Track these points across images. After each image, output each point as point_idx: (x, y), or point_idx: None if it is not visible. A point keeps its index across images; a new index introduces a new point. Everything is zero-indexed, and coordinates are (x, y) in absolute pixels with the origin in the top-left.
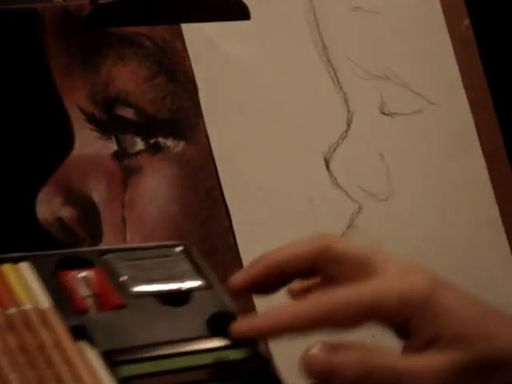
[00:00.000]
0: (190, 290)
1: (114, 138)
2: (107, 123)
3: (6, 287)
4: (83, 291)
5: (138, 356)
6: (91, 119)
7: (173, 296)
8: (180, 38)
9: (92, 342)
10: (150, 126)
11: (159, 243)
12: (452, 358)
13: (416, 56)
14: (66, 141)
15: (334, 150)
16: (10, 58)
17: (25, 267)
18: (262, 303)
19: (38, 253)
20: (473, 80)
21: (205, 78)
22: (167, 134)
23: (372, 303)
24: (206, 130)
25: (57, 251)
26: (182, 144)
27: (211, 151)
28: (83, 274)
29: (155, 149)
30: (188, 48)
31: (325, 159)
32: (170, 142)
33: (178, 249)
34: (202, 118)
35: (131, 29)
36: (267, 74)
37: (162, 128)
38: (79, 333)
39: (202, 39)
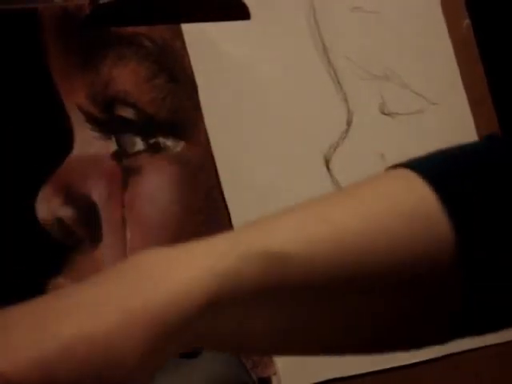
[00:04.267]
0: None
1: (113, 138)
2: (107, 123)
3: None
4: None
5: None
6: (91, 119)
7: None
8: (180, 38)
9: None
10: (150, 126)
11: None
12: None
13: (416, 56)
14: (66, 141)
15: (335, 150)
16: (9, 57)
17: None
18: None
19: None
20: (473, 80)
21: (204, 78)
22: (167, 133)
23: None
24: (205, 130)
25: None
26: (181, 144)
27: (211, 151)
28: None
29: (155, 149)
30: (188, 48)
31: (325, 159)
32: (169, 142)
33: None
34: (202, 118)
35: (131, 29)
36: (267, 74)
37: (162, 128)
38: None
39: (201, 39)
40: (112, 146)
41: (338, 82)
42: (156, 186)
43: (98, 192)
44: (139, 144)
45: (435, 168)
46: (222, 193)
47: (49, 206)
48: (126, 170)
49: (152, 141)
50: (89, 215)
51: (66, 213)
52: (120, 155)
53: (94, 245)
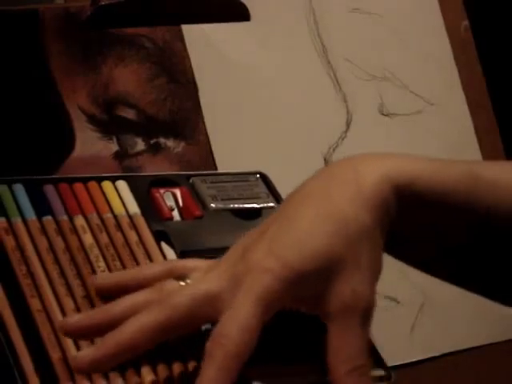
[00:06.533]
0: (261, 208)
1: (114, 139)
2: (108, 124)
3: (104, 198)
4: (169, 204)
5: (209, 255)
6: (92, 120)
7: (246, 211)
8: (180, 39)
9: (171, 243)
10: (151, 127)
11: (239, 171)
12: None
13: (415, 57)
14: (67, 141)
15: (334, 151)
16: (11, 58)
17: (121, 184)
18: None
19: (133, 174)
20: (472, 81)
21: (205, 79)
22: (168, 134)
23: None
24: (206, 130)
25: (149, 173)
26: (182, 144)
27: (211, 151)
28: (170, 190)
29: (156, 149)
30: (188, 49)
31: (324, 159)
32: (170, 143)
33: (256, 176)
34: (202, 119)
35: (132, 30)
36: (267, 74)
37: (163, 128)
38: (161, 236)
39: (202, 40)
40: (113, 147)
41: (337, 83)
42: None
43: None
44: (140, 144)
45: None
46: None
47: None
48: (126, 171)
49: (153, 141)
50: None
51: None
52: (121, 155)
53: None
